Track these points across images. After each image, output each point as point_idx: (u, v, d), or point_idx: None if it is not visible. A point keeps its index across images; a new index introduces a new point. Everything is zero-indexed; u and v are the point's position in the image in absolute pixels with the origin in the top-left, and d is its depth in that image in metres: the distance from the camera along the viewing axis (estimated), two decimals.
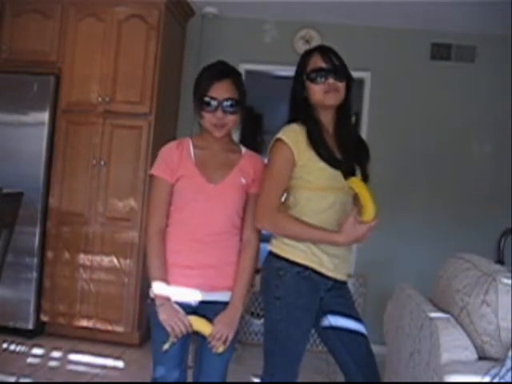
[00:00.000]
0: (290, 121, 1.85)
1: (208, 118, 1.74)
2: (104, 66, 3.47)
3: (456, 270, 2.03)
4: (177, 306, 1.70)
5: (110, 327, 3.46)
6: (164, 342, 1.70)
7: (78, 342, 3.43)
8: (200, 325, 1.71)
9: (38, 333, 3.49)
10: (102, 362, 3.17)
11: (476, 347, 1.75)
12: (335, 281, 1.81)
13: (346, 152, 1.80)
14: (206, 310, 1.74)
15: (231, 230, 1.78)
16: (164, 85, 3.55)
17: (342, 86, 1.79)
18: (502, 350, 1.68)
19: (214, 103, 1.71)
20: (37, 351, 3.24)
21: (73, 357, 3.21)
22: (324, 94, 1.78)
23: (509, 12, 3.23)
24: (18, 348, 3.25)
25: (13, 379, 2.78)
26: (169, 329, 1.68)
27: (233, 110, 1.73)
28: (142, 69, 3.44)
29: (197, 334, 1.73)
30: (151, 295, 1.75)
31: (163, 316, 1.69)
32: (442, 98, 3.91)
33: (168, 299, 1.70)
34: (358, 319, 1.84)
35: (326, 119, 1.84)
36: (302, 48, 3.96)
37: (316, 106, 1.83)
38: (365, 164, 1.85)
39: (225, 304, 1.75)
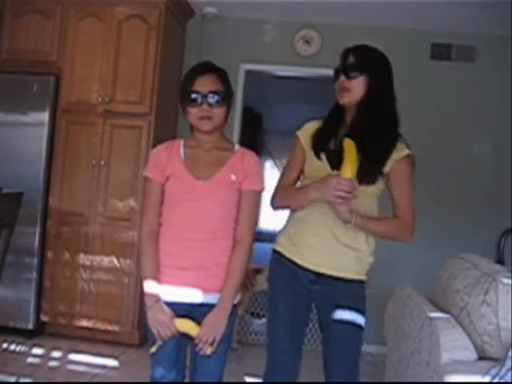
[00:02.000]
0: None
1: (194, 113, 1.73)
2: (104, 66, 3.47)
3: (456, 270, 2.03)
4: (166, 308, 1.69)
5: (109, 327, 3.46)
6: (152, 345, 1.70)
7: (78, 342, 3.43)
8: (187, 327, 1.69)
9: (38, 333, 3.49)
10: (101, 362, 3.17)
11: (476, 347, 1.75)
12: (317, 274, 1.79)
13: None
14: (196, 311, 1.72)
15: (224, 229, 1.75)
16: (164, 85, 3.55)
17: (355, 83, 1.76)
18: (502, 349, 1.68)
19: (199, 96, 1.71)
20: (37, 351, 3.24)
21: (73, 357, 3.21)
22: (338, 93, 1.81)
23: (509, 12, 3.23)
24: (18, 348, 3.25)
25: (13, 379, 2.78)
26: (154, 331, 1.68)
27: (219, 102, 1.73)
28: (142, 69, 3.44)
29: (185, 335, 1.71)
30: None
31: (150, 318, 1.69)
32: (442, 98, 3.91)
33: (158, 300, 1.70)
34: (347, 307, 1.78)
35: (351, 116, 1.83)
36: (302, 48, 3.96)
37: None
38: (362, 165, 1.74)
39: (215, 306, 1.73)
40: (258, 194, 1.80)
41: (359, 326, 1.78)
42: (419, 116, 3.90)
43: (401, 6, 3.45)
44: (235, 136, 3.97)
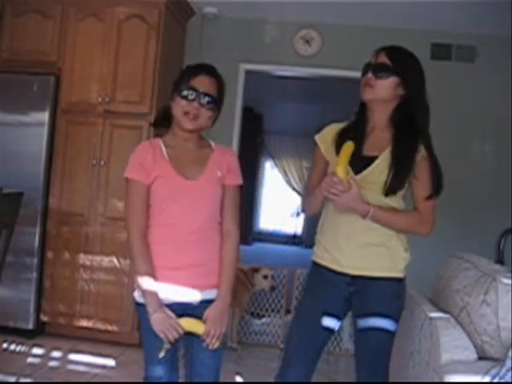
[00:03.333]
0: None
1: (182, 105, 1.74)
2: (104, 66, 3.47)
3: (456, 270, 2.03)
4: (169, 312, 1.69)
5: (109, 327, 3.46)
6: (160, 348, 1.68)
7: (78, 342, 3.43)
8: (192, 325, 1.70)
9: (38, 333, 3.49)
10: (101, 362, 3.17)
11: (476, 347, 1.75)
12: (353, 276, 1.80)
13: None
14: (195, 309, 1.73)
15: (213, 225, 1.77)
16: (164, 85, 3.54)
17: (380, 83, 1.77)
18: (502, 349, 1.68)
19: (193, 93, 1.72)
20: (37, 351, 3.24)
21: (73, 357, 3.21)
22: (362, 88, 1.81)
23: (509, 12, 3.23)
24: (18, 348, 3.25)
25: (13, 379, 2.78)
26: (162, 336, 1.67)
27: (209, 104, 1.73)
28: (142, 69, 3.44)
29: (190, 334, 1.71)
30: (137, 299, 1.77)
31: (156, 325, 1.67)
32: (442, 98, 3.91)
33: (160, 305, 1.69)
34: (375, 314, 1.80)
35: (374, 116, 1.84)
36: (302, 48, 3.96)
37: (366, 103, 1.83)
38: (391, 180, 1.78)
39: (213, 301, 1.74)
40: (240, 189, 1.84)
41: (387, 331, 1.78)
42: None
43: (401, 6, 3.45)
44: (235, 136, 3.96)
